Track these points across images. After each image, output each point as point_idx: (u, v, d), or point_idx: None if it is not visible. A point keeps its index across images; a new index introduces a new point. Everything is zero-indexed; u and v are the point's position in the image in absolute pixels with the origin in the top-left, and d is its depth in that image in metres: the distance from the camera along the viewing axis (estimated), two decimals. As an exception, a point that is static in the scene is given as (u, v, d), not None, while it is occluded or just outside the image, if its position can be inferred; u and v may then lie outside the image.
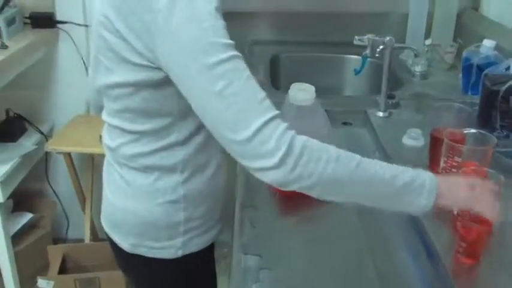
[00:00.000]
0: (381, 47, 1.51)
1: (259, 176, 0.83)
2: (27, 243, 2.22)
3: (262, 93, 0.83)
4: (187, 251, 1.06)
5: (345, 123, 1.53)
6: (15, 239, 2.12)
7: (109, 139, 1.05)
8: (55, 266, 2.12)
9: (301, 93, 1.12)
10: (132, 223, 1.05)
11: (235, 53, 0.83)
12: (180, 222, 1.04)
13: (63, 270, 2.14)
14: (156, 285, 1.14)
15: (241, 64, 0.83)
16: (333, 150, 0.84)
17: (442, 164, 1.09)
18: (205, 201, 1.06)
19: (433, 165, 1.18)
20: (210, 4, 0.82)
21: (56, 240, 2.41)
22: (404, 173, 0.86)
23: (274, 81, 1.87)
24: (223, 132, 0.83)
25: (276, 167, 0.80)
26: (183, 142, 0.98)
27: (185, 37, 0.80)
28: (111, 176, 1.07)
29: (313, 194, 0.85)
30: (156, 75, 0.88)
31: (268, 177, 0.82)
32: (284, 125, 0.82)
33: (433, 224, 1.02)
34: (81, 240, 2.29)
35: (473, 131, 1.11)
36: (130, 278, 1.19)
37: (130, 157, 1.00)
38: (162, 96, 0.92)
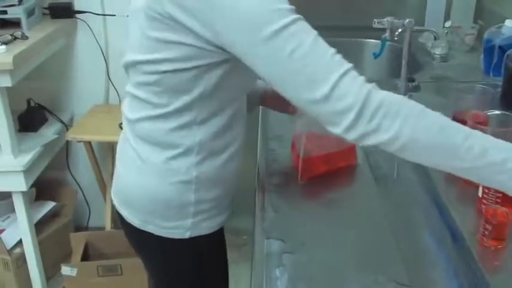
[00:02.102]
0: (400, 30, 1.49)
1: (340, 132, 0.82)
2: (50, 231, 2.25)
3: (331, 49, 0.83)
4: (196, 233, 1.07)
5: (364, 108, 1.52)
6: (38, 227, 2.16)
7: (130, 111, 1.04)
8: (78, 253, 2.15)
9: None
10: (142, 199, 1.06)
11: (297, 16, 0.83)
12: (190, 203, 1.04)
13: (85, 257, 2.17)
14: (162, 264, 1.15)
15: (305, 25, 0.83)
16: (416, 107, 0.81)
17: (465, 146, 1.07)
18: (218, 185, 1.06)
19: (455, 148, 1.17)
20: None
21: (78, 228, 2.44)
22: (500, 149, 0.80)
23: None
24: (301, 95, 0.82)
25: (355, 120, 0.79)
26: (202, 122, 0.98)
27: (245, 8, 0.81)
28: (126, 151, 1.08)
29: (393, 150, 0.82)
30: (212, 58, 0.89)
31: (348, 133, 0.81)
32: (360, 78, 0.81)
33: (457, 206, 1.01)
34: (103, 228, 2.32)
35: (497, 112, 1.09)
36: (140, 254, 1.20)
37: (149, 132, 1.00)
38: (193, 75, 0.92)
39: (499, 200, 0.92)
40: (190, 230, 1.06)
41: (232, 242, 1.33)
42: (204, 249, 1.11)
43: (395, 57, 1.78)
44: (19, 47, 1.83)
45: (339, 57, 0.83)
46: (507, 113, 1.08)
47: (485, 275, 0.83)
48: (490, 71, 1.64)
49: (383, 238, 0.96)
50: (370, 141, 0.81)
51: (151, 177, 1.03)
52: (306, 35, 0.82)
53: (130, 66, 0.99)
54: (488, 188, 0.93)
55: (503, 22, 1.60)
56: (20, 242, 2.11)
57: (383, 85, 1.59)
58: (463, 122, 1.08)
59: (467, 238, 0.91)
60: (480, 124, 1.05)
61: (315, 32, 0.83)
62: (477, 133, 0.82)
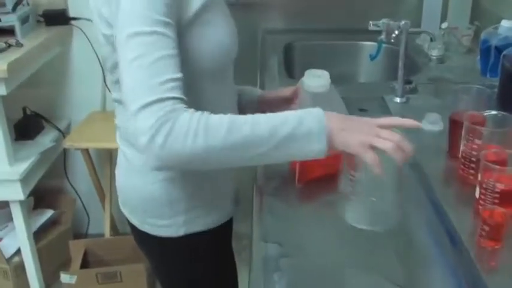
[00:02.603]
0: (396, 31, 1.49)
1: (140, 151, 0.84)
2: (49, 239, 2.25)
3: (171, 76, 0.84)
4: (191, 230, 1.06)
5: (361, 110, 1.51)
6: (37, 235, 2.16)
7: (116, 116, 1.07)
8: (77, 260, 2.15)
9: (316, 79, 1.10)
10: (134, 199, 1.07)
11: (161, 30, 0.84)
12: (180, 199, 1.04)
13: (84, 264, 2.17)
14: (163, 264, 1.15)
15: (161, 42, 0.84)
16: (202, 118, 0.83)
17: (462, 147, 1.07)
18: (209, 181, 1.05)
19: (452, 149, 1.16)
20: None
21: (77, 236, 2.43)
22: (285, 124, 0.85)
23: (288, 69, 1.86)
24: (124, 101, 0.85)
25: (148, 144, 0.81)
26: None
27: (123, 6, 0.84)
28: (119, 157, 1.11)
29: (195, 168, 0.88)
30: None
31: (146, 156, 0.83)
32: (174, 107, 0.82)
33: (454, 207, 1.00)
34: (102, 235, 2.31)
35: (493, 112, 1.09)
36: (144, 255, 1.20)
37: (131, 133, 1.00)
38: None
39: (496, 201, 0.92)
40: (184, 227, 1.06)
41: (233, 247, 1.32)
42: (201, 246, 1.10)
43: (391, 59, 1.78)
44: (14, 54, 1.83)
45: (173, 85, 0.83)
46: (504, 113, 1.08)
47: (482, 275, 0.83)
48: (487, 71, 1.63)
49: (380, 240, 0.95)
50: (170, 165, 0.88)
51: (138, 176, 1.04)
52: (152, 50, 0.83)
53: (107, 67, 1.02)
54: (486, 189, 0.93)
55: (500, 22, 1.59)
56: (18, 251, 2.11)
57: (380, 87, 1.61)
58: (460, 123, 1.08)
59: (464, 239, 0.91)
60: (476, 125, 1.05)
61: (166, 53, 0.84)
62: (260, 117, 0.86)
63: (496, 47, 1.57)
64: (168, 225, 1.06)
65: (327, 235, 0.99)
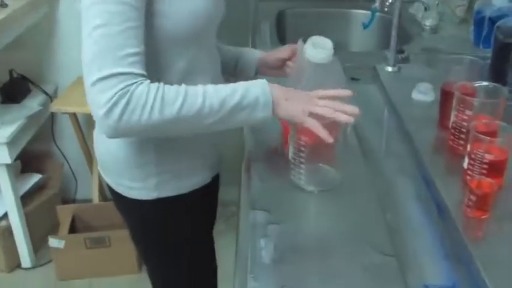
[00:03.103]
0: (390, 0, 1.47)
1: (96, 124, 0.86)
2: (37, 203, 2.24)
3: (134, 49, 0.84)
4: (164, 194, 1.06)
5: (353, 79, 1.50)
6: (24, 199, 2.15)
7: None
8: (65, 225, 2.15)
9: (320, 51, 1.06)
10: (108, 161, 1.07)
11: (130, 0, 0.83)
12: (151, 162, 1.03)
13: (73, 230, 2.17)
14: (137, 228, 1.16)
15: (129, 13, 0.83)
16: (159, 91, 0.85)
17: (452, 118, 1.07)
18: (182, 145, 1.04)
19: (443, 119, 1.16)
20: None
21: (65, 201, 2.43)
22: (233, 95, 0.90)
23: (281, 36, 1.83)
24: (83, 70, 0.84)
25: (104, 117, 0.83)
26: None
27: None
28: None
29: (153, 136, 0.95)
30: None
31: (101, 127, 0.85)
32: (133, 82, 0.83)
33: (442, 177, 1.01)
34: (90, 201, 2.31)
35: (485, 83, 1.08)
36: (123, 219, 1.19)
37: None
38: None
39: (484, 171, 0.92)
40: (157, 191, 1.05)
41: (220, 213, 1.33)
42: (174, 211, 1.09)
43: (384, 28, 1.77)
44: (-1, 15, 1.79)
45: (134, 60, 0.84)
46: (495, 84, 1.07)
47: (468, 244, 0.84)
48: (480, 42, 1.62)
49: (369, 208, 0.96)
50: (126, 136, 0.92)
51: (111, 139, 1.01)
52: (118, 21, 0.83)
53: None
54: (474, 160, 0.93)
55: (494, -7, 1.58)
56: (5, 215, 2.10)
57: (372, 56, 1.60)
58: (451, 94, 1.08)
59: (452, 209, 0.91)
60: (467, 95, 1.04)
61: (132, 24, 0.84)
62: (211, 88, 0.90)
63: (489, 18, 1.56)
64: (140, 188, 1.05)
65: (315, 203, 1.00)
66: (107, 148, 1.05)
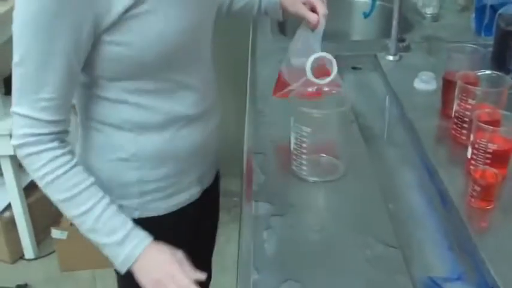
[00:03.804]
0: (391, -13, 1.45)
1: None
2: (40, 195, 2.19)
3: (49, 95, 0.85)
4: (146, 214, 1.02)
5: (354, 68, 1.50)
6: (27, 191, 2.14)
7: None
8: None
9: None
10: (93, 175, 1.01)
11: (57, 44, 0.82)
12: (132, 182, 1.00)
13: (75, 220, 2.17)
14: None
15: (51, 56, 0.83)
16: (56, 172, 0.90)
17: (455, 107, 1.07)
18: (165, 164, 1.00)
19: (445, 109, 1.16)
20: None
21: (67, 192, 2.43)
22: (102, 236, 0.93)
23: (281, 26, 1.82)
24: None
25: (16, 147, 0.89)
26: (116, 100, 0.94)
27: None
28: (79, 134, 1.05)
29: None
30: None
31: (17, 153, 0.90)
32: (40, 132, 0.87)
33: (446, 167, 1.01)
34: (92, 191, 2.31)
35: (487, 72, 1.08)
36: None
37: (83, 109, 0.98)
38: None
39: (488, 161, 0.92)
40: (139, 210, 1.02)
41: (223, 204, 1.33)
42: (158, 231, 0.97)
43: (385, 17, 1.75)
44: (1, 7, 1.77)
45: (44, 104, 0.85)
46: (498, 73, 1.07)
47: (472, 235, 0.84)
48: (481, 30, 1.61)
49: (372, 200, 0.96)
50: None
51: (93, 155, 1.00)
52: (39, 62, 0.83)
53: None
54: (478, 149, 0.93)
55: (496, -20, 1.56)
56: (9, 206, 2.11)
57: (373, 45, 1.59)
58: (454, 83, 1.07)
59: (455, 199, 0.91)
60: (470, 84, 1.04)
61: (50, 67, 0.84)
62: (98, 210, 0.91)
63: (491, 6, 1.54)
64: (122, 206, 0.98)
65: (318, 194, 1.00)
66: (88, 166, 0.99)
